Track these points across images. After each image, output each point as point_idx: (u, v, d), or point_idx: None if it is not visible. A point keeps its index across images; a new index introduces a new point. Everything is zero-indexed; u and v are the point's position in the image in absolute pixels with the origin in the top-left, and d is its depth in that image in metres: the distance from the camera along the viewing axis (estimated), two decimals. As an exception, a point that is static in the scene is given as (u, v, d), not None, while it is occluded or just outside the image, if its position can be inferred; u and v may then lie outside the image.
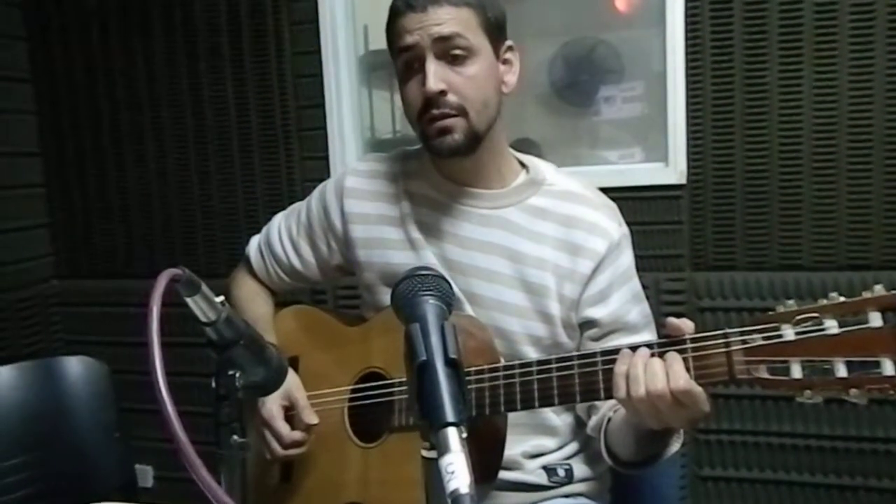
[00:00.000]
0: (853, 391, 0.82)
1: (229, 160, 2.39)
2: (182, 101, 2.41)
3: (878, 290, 0.82)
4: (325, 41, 2.26)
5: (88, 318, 2.58)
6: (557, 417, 1.20)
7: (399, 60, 1.11)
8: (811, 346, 0.84)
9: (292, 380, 1.19)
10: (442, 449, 0.56)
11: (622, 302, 1.15)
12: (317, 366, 1.23)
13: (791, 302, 0.87)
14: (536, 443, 1.18)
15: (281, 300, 1.37)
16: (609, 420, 1.10)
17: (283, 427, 1.17)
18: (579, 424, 1.21)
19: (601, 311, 1.14)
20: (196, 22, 2.36)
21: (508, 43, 1.15)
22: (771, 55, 1.93)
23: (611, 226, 1.16)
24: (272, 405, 1.17)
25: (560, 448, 1.20)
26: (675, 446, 1.06)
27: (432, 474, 0.57)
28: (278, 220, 1.35)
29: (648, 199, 2.06)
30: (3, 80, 2.45)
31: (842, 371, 0.82)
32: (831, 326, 0.83)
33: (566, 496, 1.19)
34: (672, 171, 2.03)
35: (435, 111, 1.08)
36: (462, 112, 1.09)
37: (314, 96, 2.29)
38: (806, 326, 0.84)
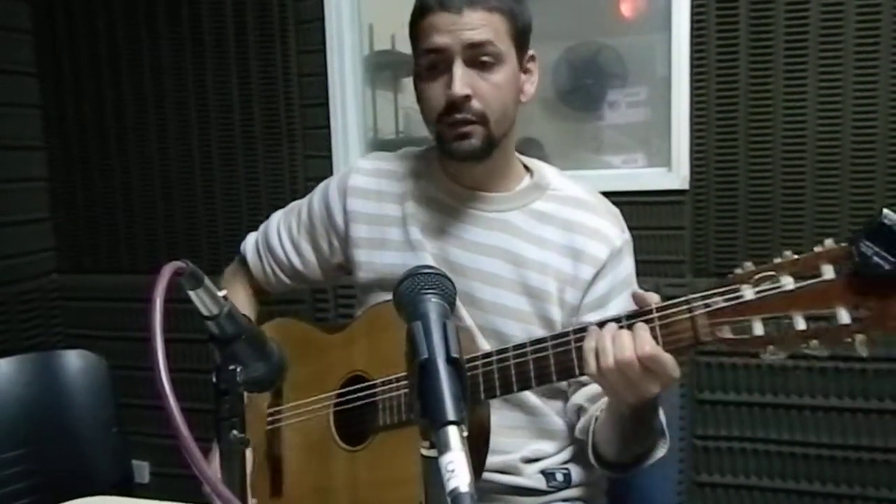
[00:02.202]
0: (813, 342, 0.85)
1: (233, 157, 2.40)
2: (187, 96, 2.42)
3: (829, 244, 0.85)
4: (331, 40, 2.26)
5: (89, 312, 2.58)
6: (560, 420, 1.19)
7: (424, 59, 1.10)
8: (770, 304, 0.86)
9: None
10: (442, 447, 0.55)
11: (620, 309, 1.14)
12: (300, 377, 1.21)
13: (748, 264, 0.89)
14: (536, 447, 1.18)
15: (274, 303, 1.36)
16: (596, 419, 1.10)
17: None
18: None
19: (599, 317, 1.13)
20: (202, 18, 2.37)
21: (531, 52, 1.15)
22: (776, 62, 1.93)
23: (613, 232, 1.16)
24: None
25: (558, 452, 1.20)
26: (660, 451, 1.06)
27: (432, 473, 0.57)
28: (277, 218, 1.34)
29: (651, 204, 2.05)
30: (9, 73, 2.45)
31: (801, 324, 0.85)
32: (788, 283, 0.86)
33: (564, 500, 1.19)
34: (675, 176, 2.03)
35: (458, 116, 1.08)
36: (483, 119, 1.08)
37: (318, 95, 2.29)
38: (765, 285, 0.87)
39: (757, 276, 0.87)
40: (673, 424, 1.07)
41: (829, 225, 1.94)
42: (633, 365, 0.90)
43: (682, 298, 0.91)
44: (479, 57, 1.07)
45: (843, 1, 1.87)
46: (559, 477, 1.18)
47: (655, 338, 0.91)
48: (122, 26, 2.45)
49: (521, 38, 1.11)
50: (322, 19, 2.25)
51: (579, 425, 1.15)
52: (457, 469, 0.53)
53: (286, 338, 1.27)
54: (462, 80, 1.06)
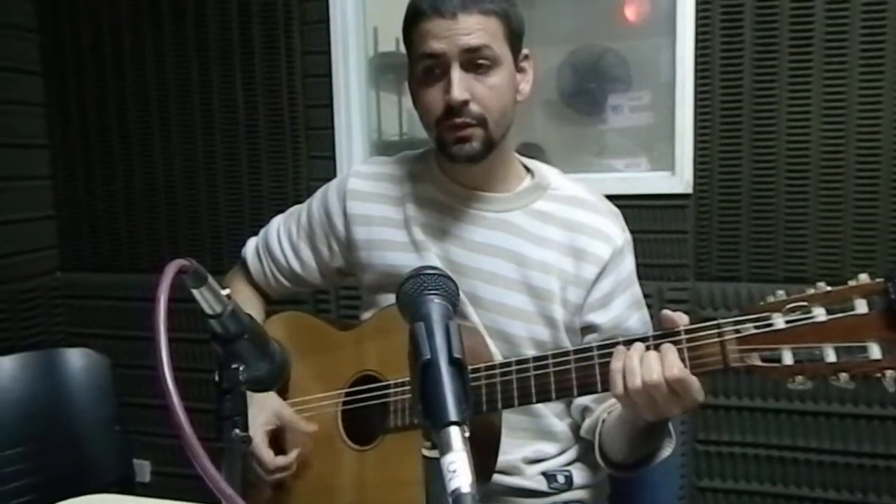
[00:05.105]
0: (842, 375, 0.85)
1: (236, 157, 2.40)
2: (191, 96, 2.42)
3: (863, 278, 0.85)
4: (336, 42, 2.26)
5: (91, 310, 2.58)
6: (560, 422, 1.19)
7: (420, 65, 1.10)
8: (801, 334, 0.87)
9: (276, 402, 1.18)
10: (444, 448, 0.55)
11: (623, 308, 1.16)
12: (309, 372, 1.22)
13: (781, 292, 0.89)
14: (537, 448, 1.18)
15: (275, 304, 1.35)
16: (603, 422, 1.11)
17: (266, 454, 1.15)
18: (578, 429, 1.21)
19: (603, 316, 1.14)
20: (207, 18, 2.37)
21: (525, 51, 1.15)
22: (780, 66, 1.93)
23: (615, 231, 1.16)
24: (255, 432, 1.13)
25: (560, 454, 1.20)
26: (666, 451, 1.07)
27: (433, 473, 0.57)
28: (277, 222, 1.34)
29: (654, 208, 2.05)
30: (14, 71, 2.46)
31: (831, 356, 0.85)
32: (819, 314, 0.86)
33: (565, 503, 1.19)
34: (678, 180, 2.03)
35: (457, 120, 1.08)
36: (482, 122, 1.09)
37: (323, 96, 2.29)
38: (795, 315, 0.87)
39: (788, 306, 0.87)
40: (675, 429, 1.07)
41: (833, 229, 1.94)
42: (660, 387, 0.90)
43: (713, 322, 0.91)
44: (475, 60, 1.07)
45: (848, 6, 1.87)
46: (560, 479, 1.18)
47: (683, 360, 0.91)
48: (127, 25, 2.45)
49: (515, 38, 1.11)
50: (327, 21, 2.26)
51: (585, 425, 1.15)
52: (458, 469, 0.53)
53: (296, 331, 1.27)
54: (460, 84, 1.06)
